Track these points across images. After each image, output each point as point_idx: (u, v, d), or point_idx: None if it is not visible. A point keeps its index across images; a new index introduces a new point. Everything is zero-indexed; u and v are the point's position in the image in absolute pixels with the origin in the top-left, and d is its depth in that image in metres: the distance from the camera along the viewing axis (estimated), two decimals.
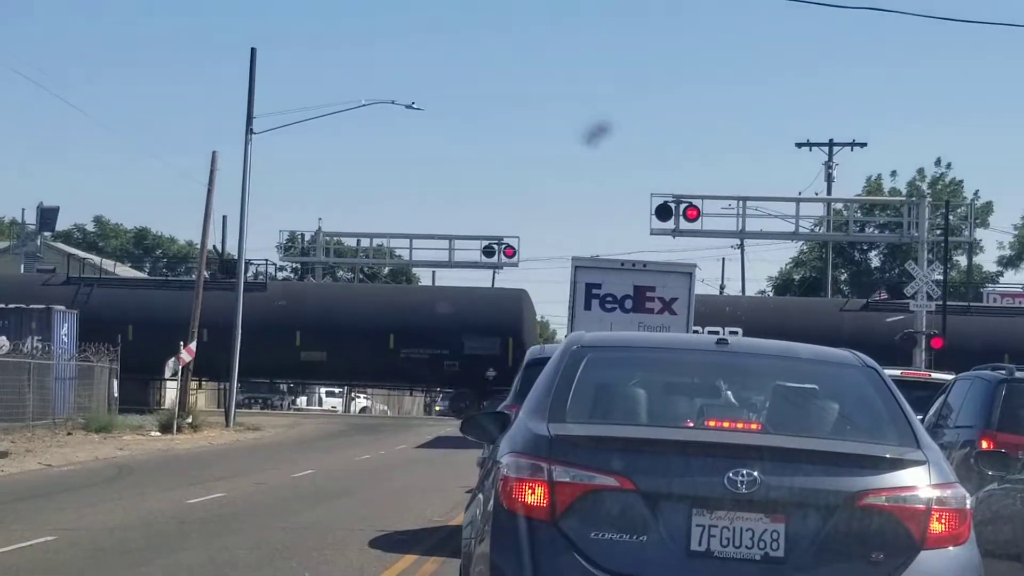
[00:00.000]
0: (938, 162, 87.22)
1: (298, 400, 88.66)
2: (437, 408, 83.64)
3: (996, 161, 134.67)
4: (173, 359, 44.09)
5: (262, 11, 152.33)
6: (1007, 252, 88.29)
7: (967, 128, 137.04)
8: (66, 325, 46.34)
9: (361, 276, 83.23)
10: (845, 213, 62.32)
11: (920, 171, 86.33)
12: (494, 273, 67.14)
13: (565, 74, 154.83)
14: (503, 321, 59.64)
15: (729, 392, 8.97)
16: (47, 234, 77.33)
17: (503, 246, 64.82)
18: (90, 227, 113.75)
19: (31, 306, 47.15)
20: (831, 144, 72.68)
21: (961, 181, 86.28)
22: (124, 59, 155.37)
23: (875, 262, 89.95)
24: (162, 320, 56.67)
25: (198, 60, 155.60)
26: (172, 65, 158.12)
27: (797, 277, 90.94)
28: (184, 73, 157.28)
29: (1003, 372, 16.74)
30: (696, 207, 54.84)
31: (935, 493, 7.80)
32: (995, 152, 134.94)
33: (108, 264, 75.54)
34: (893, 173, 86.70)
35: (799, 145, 73.74)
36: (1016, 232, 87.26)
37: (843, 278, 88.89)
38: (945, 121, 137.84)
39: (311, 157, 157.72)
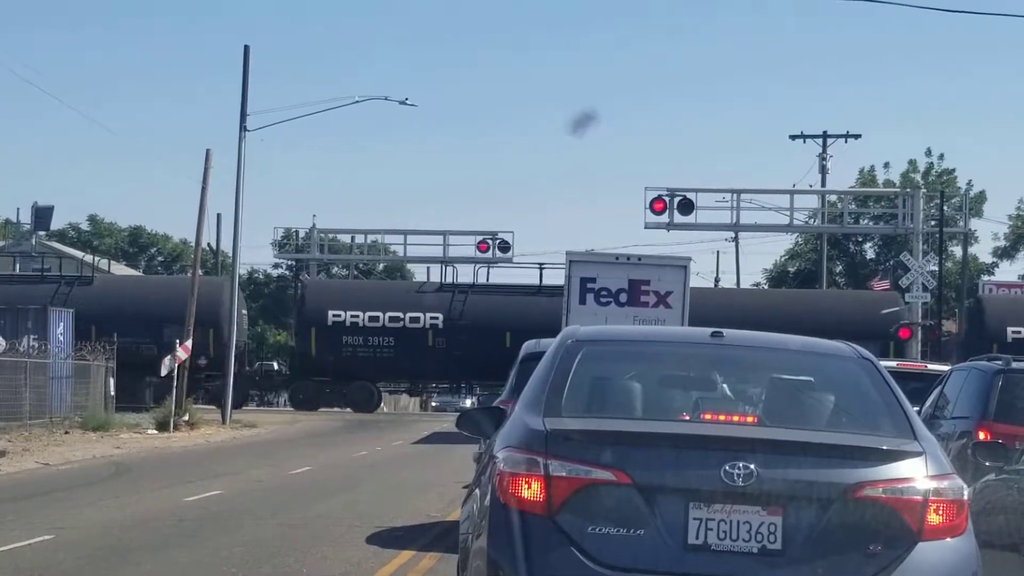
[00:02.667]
0: (928, 152, 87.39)
1: None
2: (433, 404, 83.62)
3: (988, 152, 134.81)
4: (169, 357, 44.07)
5: (257, 12, 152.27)
6: (1002, 243, 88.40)
7: (959, 119, 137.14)
8: (62, 324, 46.31)
9: (356, 273, 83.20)
10: (839, 205, 62.43)
11: (912, 162, 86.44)
12: (488, 268, 67.13)
13: (559, 68, 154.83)
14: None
15: (725, 385, 8.97)
16: (42, 233, 77.29)
17: (498, 241, 64.84)
18: (85, 226, 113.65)
19: (27, 305, 47.13)
20: (825, 136, 72.70)
21: (953, 170, 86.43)
22: (117, 58, 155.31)
23: (870, 253, 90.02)
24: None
25: (193, 59, 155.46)
26: (166, 64, 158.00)
27: (792, 269, 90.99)
28: (178, 71, 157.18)
29: (999, 362, 16.74)
30: (691, 200, 54.88)
31: (932, 484, 7.80)
32: (987, 143, 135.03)
33: (103, 263, 75.45)
34: (886, 164, 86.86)
35: (793, 137, 73.80)
36: (1012, 222, 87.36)
37: (838, 270, 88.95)
38: (937, 112, 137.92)
39: (306, 155, 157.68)
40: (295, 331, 66.07)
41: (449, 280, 62.84)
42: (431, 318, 60.22)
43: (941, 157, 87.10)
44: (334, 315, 60.19)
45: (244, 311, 67.67)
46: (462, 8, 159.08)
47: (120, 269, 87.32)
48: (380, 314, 60.14)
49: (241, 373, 63.53)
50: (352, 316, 60.08)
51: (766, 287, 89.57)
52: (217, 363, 59.19)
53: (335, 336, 60.26)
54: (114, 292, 61.73)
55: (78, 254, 75.59)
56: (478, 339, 58.13)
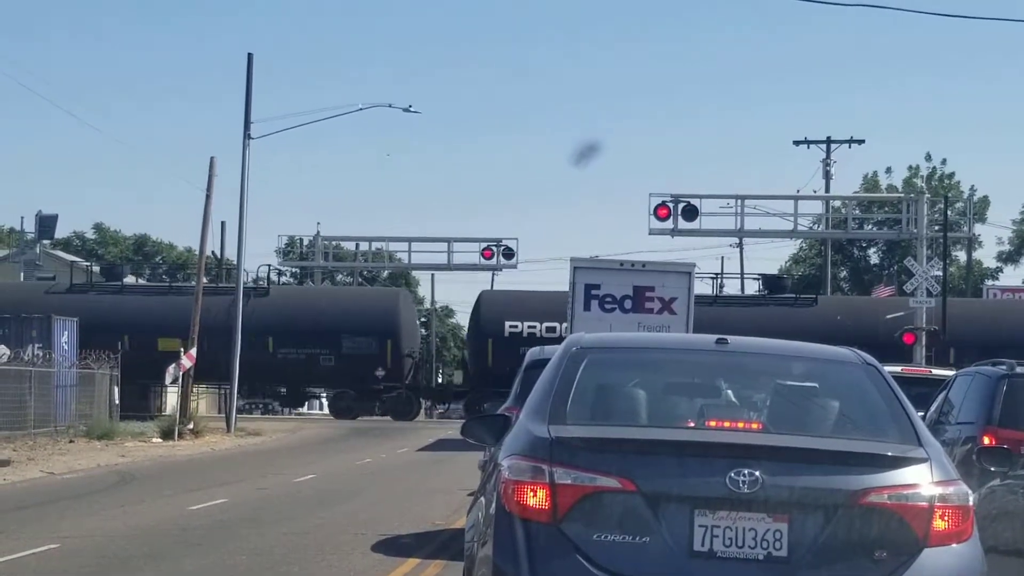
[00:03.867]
0: (928, 157, 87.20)
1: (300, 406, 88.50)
2: (438, 411, 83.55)
3: (991, 157, 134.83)
4: (174, 365, 44.09)
5: (260, 19, 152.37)
6: (1006, 247, 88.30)
7: (962, 123, 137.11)
8: (66, 333, 46.35)
9: (360, 280, 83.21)
10: (843, 210, 62.35)
11: (914, 168, 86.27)
12: (493, 275, 67.17)
13: (563, 75, 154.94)
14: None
15: (729, 391, 8.96)
16: (46, 242, 77.33)
17: (502, 248, 64.83)
18: (90, 234, 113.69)
19: (31, 314, 47.18)
20: (829, 142, 72.68)
21: (952, 174, 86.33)
22: (122, 67, 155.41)
23: (874, 259, 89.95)
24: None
25: (196, 67, 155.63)
26: (170, 72, 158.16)
27: (796, 275, 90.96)
28: (182, 79, 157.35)
29: (1004, 367, 16.70)
30: (695, 206, 54.86)
31: (937, 490, 7.80)
32: (990, 148, 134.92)
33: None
34: (888, 170, 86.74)
35: (797, 143, 73.77)
36: (1015, 227, 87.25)
37: (842, 275, 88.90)
38: (941, 117, 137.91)
39: (309, 161, 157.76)
40: (470, 342, 65.94)
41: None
42: None
43: (943, 162, 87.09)
44: (511, 326, 60.04)
45: (416, 320, 68.34)
46: (466, 14, 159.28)
47: (125, 278, 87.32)
48: (556, 324, 59.80)
49: (415, 384, 64.08)
50: (529, 327, 59.69)
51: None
52: (395, 374, 59.98)
53: (512, 346, 59.94)
54: (290, 303, 61.88)
55: (83, 263, 75.58)
56: None
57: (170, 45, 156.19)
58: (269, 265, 70.32)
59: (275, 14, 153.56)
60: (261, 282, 67.07)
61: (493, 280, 67.52)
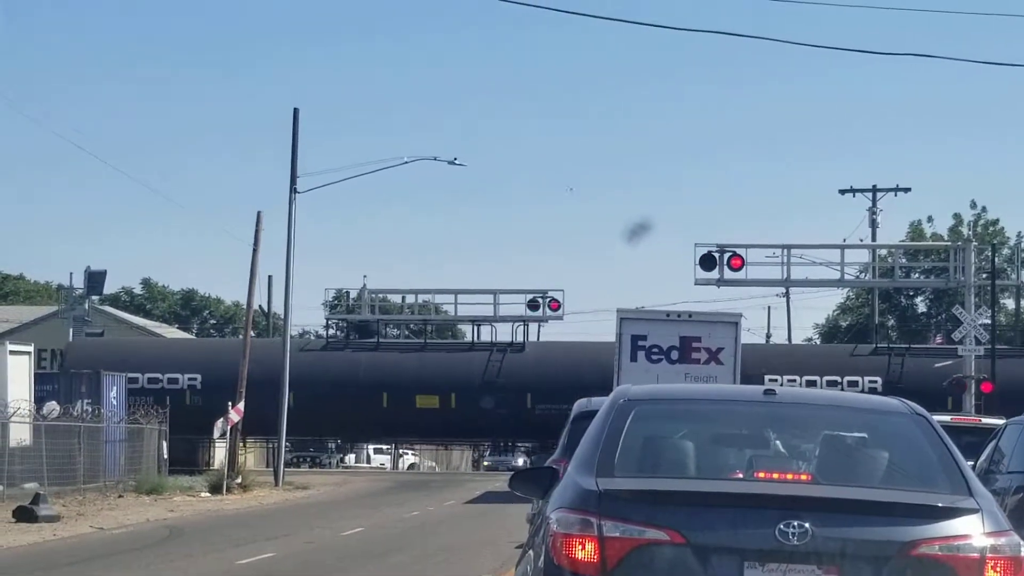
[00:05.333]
0: (973, 204, 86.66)
1: (346, 458, 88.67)
2: (486, 463, 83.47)
3: None
4: (222, 419, 44.22)
5: (307, 73, 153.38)
6: None
7: (1006, 171, 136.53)
8: (115, 388, 46.57)
9: (407, 333, 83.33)
10: (890, 259, 62.11)
11: (958, 216, 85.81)
12: (539, 327, 67.10)
13: (608, 127, 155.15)
14: None
15: (778, 442, 8.93)
16: (95, 298, 77.77)
17: (548, 299, 64.76)
18: (138, 289, 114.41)
19: (80, 370, 47.46)
20: (875, 190, 72.49)
21: (996, 220, 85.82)
22: (169, 122, 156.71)
23: (921, 307, 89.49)
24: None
25: (244, 122, 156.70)
26: (217, 128, 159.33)
27: (844, 324, 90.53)
28: (229, 134, 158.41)
29: None
30: (740, 256, 54.70)
31: (989, 541, 7.74)
32: None
33: (154, 326, 75.84)
34: (930, 219, 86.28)
35: (842, 192, 73.62)
36: None
37: (890, 324, 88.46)
38: (984, 165, 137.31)
39: (356, 214, 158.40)
40: None
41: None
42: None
43: (984, 209, 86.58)
44: None
45: None
46: (513, 68, 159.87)
47: (173, 332, 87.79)
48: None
49: None
50: None
51: (818, 342, 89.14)
52: None
53: None
54: (544, 359, 62.09)
55: (132, 319, 76.03)
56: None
57: (217, 101, 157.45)
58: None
59: (323, 69, 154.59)
60: (308, 335, 67.19)
61: (539, 332, 67.42)
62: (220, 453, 56.57)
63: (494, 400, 57.28)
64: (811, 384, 52.92)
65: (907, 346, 63.23)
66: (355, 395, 58.18)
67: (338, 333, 78.76)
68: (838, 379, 56.29)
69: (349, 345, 63.34)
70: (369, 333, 67.65)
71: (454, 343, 63.56)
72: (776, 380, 49.74)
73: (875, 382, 56.32)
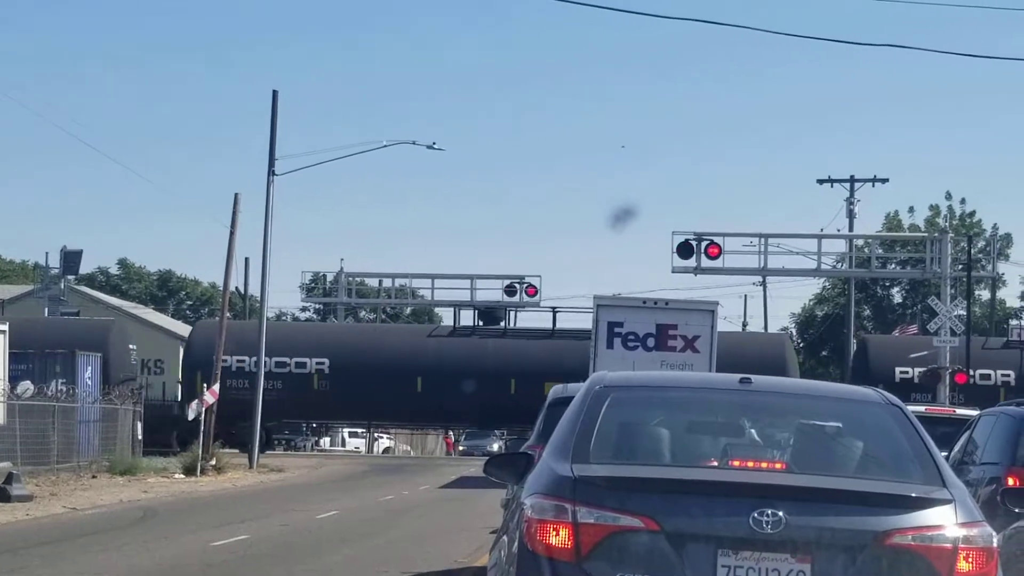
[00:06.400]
0: (948, 196, 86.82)
1: (321, 441, 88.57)
2: (461, 448, 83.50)
3: (1013, 195, 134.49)
4: (196, 401, 44.11)
5: (286, 56, 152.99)
6: None
7: (985, 162, 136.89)
8: (90, 368, 46.43)
9: (383, 317, 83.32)
10: (867, 250, 62.24)
11: (935, 207, 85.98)
12: (516, 312, 67.12)
13: (587, 113, 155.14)
14: None
15: (753, 431, 8.95)
16: (71, 277, 77.49)
17: (525, 285, 64.79)
18: (114, 270, 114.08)
19: (55, 350, 47.30)
20: (852, 180, 72.56)
21: (973, 213, 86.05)
22: (147, 103, 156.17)
23: (897, 298, 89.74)
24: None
25: (222, 104, 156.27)
26: (195, 109, 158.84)
27: (820, 313, 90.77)
28: (208, 117, 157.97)
29: None
30: (718, 244, 54.79)
31: (962, 532, 7.78)
32: (1011, 188, 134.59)
33: (130, 307, 75.63)
34: (911, 209, 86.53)
35: (820, 181, 73.65)
36: None
37: (866, 314, 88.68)
38: (963, 157, 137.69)
39: (333, 198, 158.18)
40: None
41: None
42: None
43: (962, 201, 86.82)
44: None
45: None
46: (491, 53, 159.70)
47: (149, 314, 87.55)
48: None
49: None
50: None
51: (794, 331, 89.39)
52: None
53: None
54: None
55: (108, 299, 75.81)
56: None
57: (197, 83, 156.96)
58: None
59: (303, 55, 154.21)
60: (284, 318, 67.11)
61: (516, 318, 67.44)
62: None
63: None
64: None
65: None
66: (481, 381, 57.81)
67: (314, 316, 78.73)
68: None
69: (476, 332, 62.89)
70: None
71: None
72: None
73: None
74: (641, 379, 10.38)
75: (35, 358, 45.92)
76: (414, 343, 60.47)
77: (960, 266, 57.66)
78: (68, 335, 54.47)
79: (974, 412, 21.06)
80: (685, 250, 54.03)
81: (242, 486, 40.38)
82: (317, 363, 59.89)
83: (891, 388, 50.55)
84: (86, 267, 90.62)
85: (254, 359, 52.20)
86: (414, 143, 52.78)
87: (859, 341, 64.51)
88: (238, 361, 57.07)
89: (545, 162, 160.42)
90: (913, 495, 7.89)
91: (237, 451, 50.15)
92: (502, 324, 63.43)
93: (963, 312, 53.99)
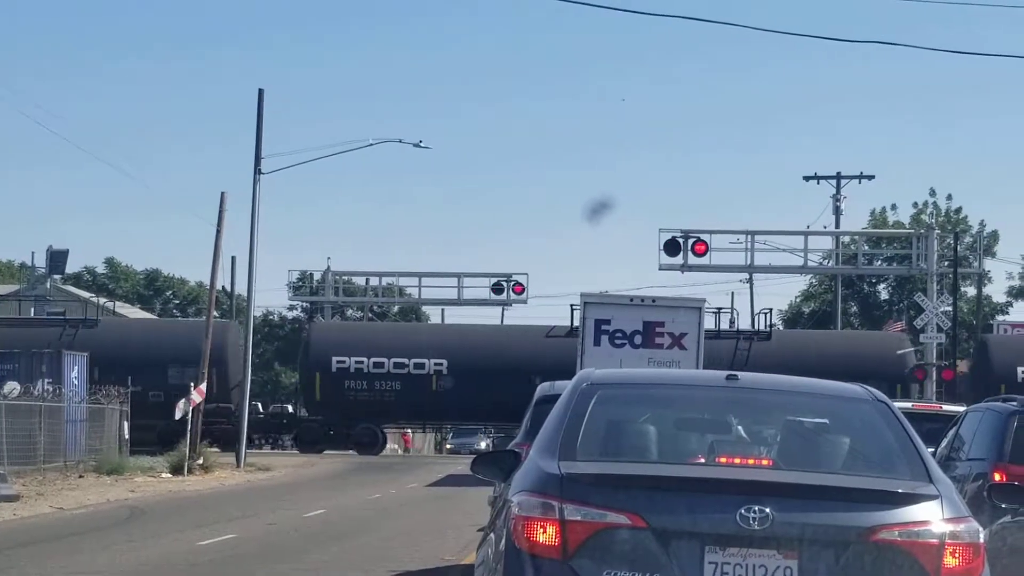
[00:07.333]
0: (932, 192, 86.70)
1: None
2: (448, 446, 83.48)
3: (999, 191, 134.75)
4: (183, 400, 44.04)
5: (273, 55, 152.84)
6: (1016, 282, 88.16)
7: (972, 159, 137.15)
8: (76, 367, 46.35)
9: (371, 315, 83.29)
10: (853, 246, 62.38)
11: (920, 204, 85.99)
12: (503, 310, 67.17)
13: (573, 111, 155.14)
14: None
15: (740, 427, 8.96)
16: (57, 277, 77.39)
17: (512, 283, 64.85)
18: (101, 269, 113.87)
19: (42, 349, 47.21)
20: (839, 177, 72.69)
21: (959, 209, 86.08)
22: (134, 102, 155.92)
23: (884, 294, 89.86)
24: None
25: (208, 103, 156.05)
26: (182, 108, 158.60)
27: (807, 310, 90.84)
28: (194, 116, 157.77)
29: (1015, 404, 16.67)
30: (704, 242, 54.92)
31: (948, 527, 7.79)
32: (998, 184, 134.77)
33: (117, 306, 75.44)
34: (894, 206, 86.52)
35: (807, 178, 73.83)
36: None
37: (852, 311, 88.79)
38: (949, 153, 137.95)
39: (320, 196, 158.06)
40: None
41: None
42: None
43: (948, 197, 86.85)
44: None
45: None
46: (476, 52, 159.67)
47: (135, 312, 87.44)
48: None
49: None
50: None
51: (781, 328, 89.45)
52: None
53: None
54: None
55: (89, 296, 75.64)
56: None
57: (184, 83, 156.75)
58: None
59: (288, 52, 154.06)
60: (272, 317, 67.07)
61: (503, 315, 67.48)
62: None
63: None
64: None
65: None
66: None
67: (301, 315, 78.65)
68: None
69: None
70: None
71: None
72: None
73: None
74: (628, 376, 10.39)
75: (21, 357, 45.81)
76: (533, 343, 59.53)
77: (946, 262, 57.78)
78: (191, 338, 54.10)
79: (960, 408, 21.10)
80: (672, 247, 54.16)
81: (230, 485, 40.34)
82: (435, 364, 59.64)
83: (1013, 388, 49.91)
84: (72, 266, 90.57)
85: (373, 360, 52.03)
86: (400, 141, 52.83)
87: (979, 341, 61.79)
88: (356, 363, 57.26)
89: (532, 160, 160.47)
90: (899, 491, 7.90)
91: (218, 450, 50.07)
92: None
93: (949, 308, 54.09)
